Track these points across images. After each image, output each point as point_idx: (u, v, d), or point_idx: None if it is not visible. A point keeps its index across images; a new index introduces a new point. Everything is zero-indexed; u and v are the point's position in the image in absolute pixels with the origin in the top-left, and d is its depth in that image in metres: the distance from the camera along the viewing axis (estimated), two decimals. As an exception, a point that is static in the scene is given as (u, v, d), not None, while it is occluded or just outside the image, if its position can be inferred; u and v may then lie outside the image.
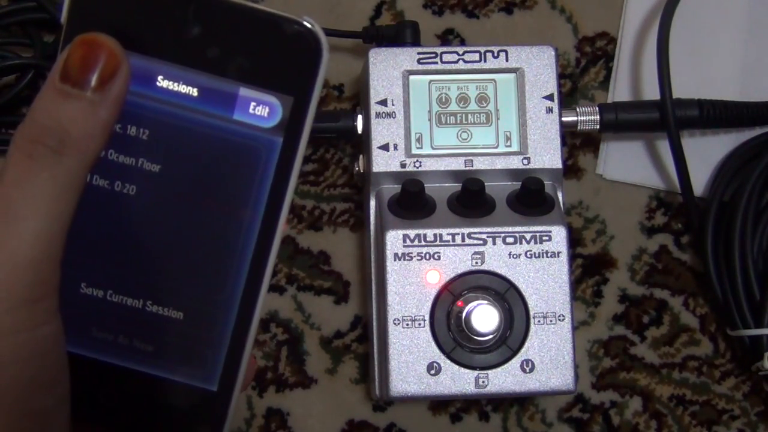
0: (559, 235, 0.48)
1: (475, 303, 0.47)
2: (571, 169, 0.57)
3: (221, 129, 0.32)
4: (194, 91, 0.32)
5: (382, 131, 0.50)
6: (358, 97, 0.56)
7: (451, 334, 0.47)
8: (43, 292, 0.29)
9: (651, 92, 0.56)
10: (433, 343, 0.47)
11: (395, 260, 0.48)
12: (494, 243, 0.48)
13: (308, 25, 0.32)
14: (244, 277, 0.33)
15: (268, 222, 0.32)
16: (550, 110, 0.51)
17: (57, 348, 0.30)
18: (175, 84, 0.32)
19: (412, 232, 0.48)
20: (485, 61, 0.51)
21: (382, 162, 0.50)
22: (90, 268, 0.33)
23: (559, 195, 0.51)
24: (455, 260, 0.48)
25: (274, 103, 0.32)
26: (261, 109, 0.32)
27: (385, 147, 0.50)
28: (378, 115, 0.50)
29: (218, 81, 0.32)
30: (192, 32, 0.31)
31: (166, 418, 0.33)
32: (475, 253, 0.48)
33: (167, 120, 0.32)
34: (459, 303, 0.47)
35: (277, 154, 0.32)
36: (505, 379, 0.47)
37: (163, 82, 0.32)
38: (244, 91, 0.32)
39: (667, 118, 0.53)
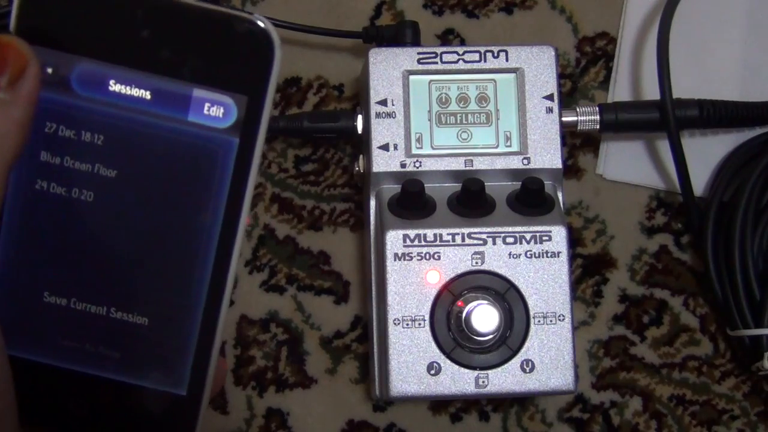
0: (559, 235, 0.48)
1: (475, 303, 0.47)
2: (571, 169, 0.57)
3: (176, 131, 0.32)
4: (147, 94, 0.32)
5: (382, 131, 0.50)
6: (358, 97, 0.56)
7: (451, 334, 0.47)
8: None
9: (651, 92, 0.56)
10: (433, 343, 0.47)
11: (395, 260, 0.48)
12: (494, 243, 0.48)
13: (260, 24, 0.31)
14: (207, 279, 0.33)
15: (228, 223, 0.32)
16: (550, 110, 0.51)
17: None
18: (128, 88, 0.32)
19: (412, 232, 0.48)
20: (485, 61, 0.51)
21: (382, 162, 0.50)
22: (52, 277, 0.32)
23: (559, 195, 0.51)
24: (455, 260, 0.48)
25: (228, 103, 0.32)
26: (216, 110, 0.32)
27: (385, 147, 0.50)
28: (378, 115, 0.50)
29: (171, 83, 0.32)
30: (142, 34, 0.31)
31: (137, 424, 0.33)
32: (475, 253, 0.48)
33: (121, 124, 0.32)
34: (459, 303, 0.47)
35: (234, 155, 0.32)
36: (505, 379, 0.47)
37: (115, 86, 0.32)
38: (197, 92, 0.32)
39: (667, 118, 0.53)
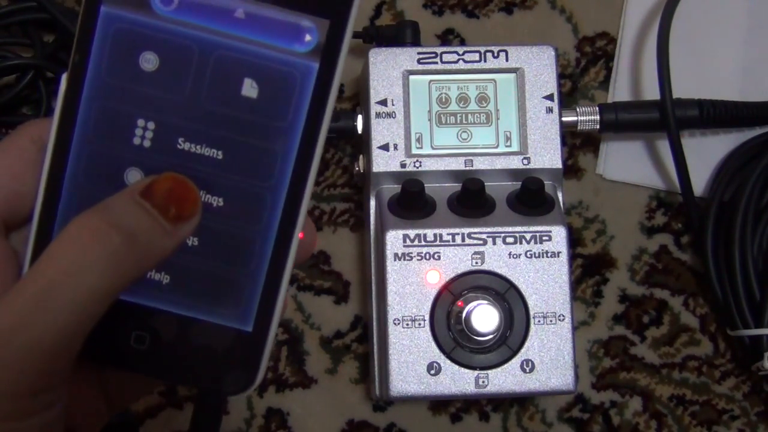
0: (559, 235, 0.48)
1: (475, 303, 0.47)
2: (571, 169, 0.57)
3: (257, 54, 0.31)
4: (228, 15, 0.31)
5: (382, 131, 0.50)
6: (358, 97, 0.56)
7: (451, 334, 0.47)
8: (48, 384, 0.28)
9: (651, 92, 0.56)
10: (433, 343, 0.47)
11: (395, 260, 0.48)
12: (494, 243, 0.48)
13: None
14: (280, 209, 0.32)
15: (304, 149, 0.32)
16: (550, 110, 0.51)
17: None
18: (208, 8, 0.31)
19: (412, 232, 0.48)
20: (485, 61, 0.51)
21: (382, 162, 0.50)
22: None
23: (559, 195, 0.51)
24: (455, 260, 0.48)
25: (310, 27, 0.31)
26: (297, 33, 0.31)
27: (385, 147, 0.50)
28: (378, 115, 0.50)
29: (254, 5, 0.31)
30: None
31: (200, 361, 0.32)
32: (475, 253, 0.48)
33: (200, 45, 0.31)
34: (459, 303, 0.47)
35: (313, 79, 0.31)
36: (505, 379, 0.47)
37: (194, 7, 0.31)
38: (279, 15, 0.31)
39: (667, 118, 0.53)
